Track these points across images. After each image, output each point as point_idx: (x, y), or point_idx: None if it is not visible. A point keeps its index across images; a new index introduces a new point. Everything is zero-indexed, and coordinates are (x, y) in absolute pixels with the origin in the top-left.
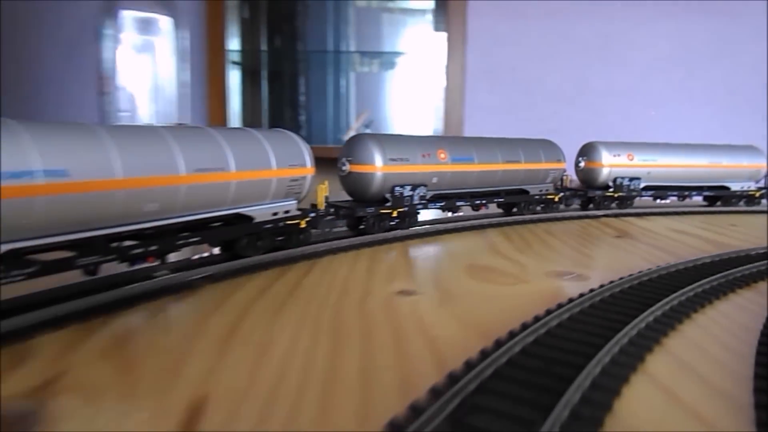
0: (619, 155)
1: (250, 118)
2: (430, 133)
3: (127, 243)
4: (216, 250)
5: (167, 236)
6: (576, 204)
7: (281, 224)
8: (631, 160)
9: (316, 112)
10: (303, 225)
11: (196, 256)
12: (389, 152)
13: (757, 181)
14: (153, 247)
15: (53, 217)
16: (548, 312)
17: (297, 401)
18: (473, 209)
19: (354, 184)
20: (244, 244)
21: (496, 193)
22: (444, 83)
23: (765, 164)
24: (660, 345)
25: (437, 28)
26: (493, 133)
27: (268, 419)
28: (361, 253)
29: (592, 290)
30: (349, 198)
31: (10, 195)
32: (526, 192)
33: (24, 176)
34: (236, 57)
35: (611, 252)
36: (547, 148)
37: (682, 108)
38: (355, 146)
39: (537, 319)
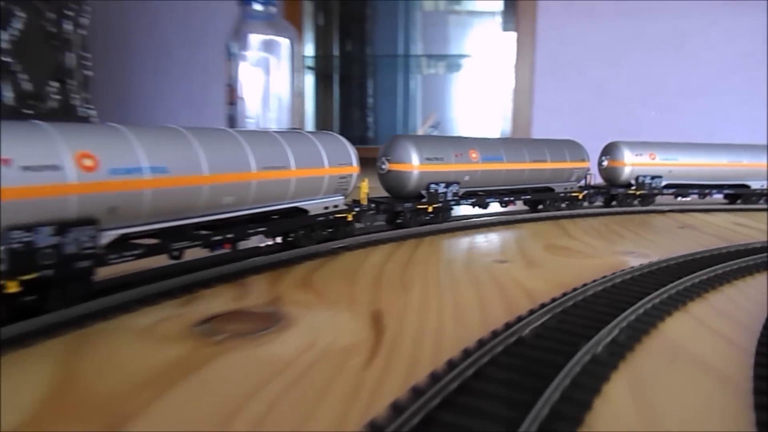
0: (641, 155)
1: (323, 120)
2: (497, 134)
3: (204, 232)
4: (271, 241)
5: (239, 226)
6: (599, 201)
7: (331, 217)
8: (653, 159)
9: (383, 114)
10: (350, 218)
11: (263, 244)
12: (425, 152)
13: None
14: (229, 235)
15: (155, 207)
16: (614, 274)
17: (440, 315)
18: (501, 206)
19: (393, 182)
20: (300, 234)
21: (524, 191)
22: (512, 84)
23: None
24: (702, 298)
25: (505, 29)
26: (562, 134)
27: (425, 324)
28: (452, 236)
29: (651, 263)
30: (386, 195)
31: (120, 188)
32: (551, 189)
33: (134, 172)
34: (310, 62)
35: (672, 238)
36: (571, 148)
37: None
38: (393, 147)
39: (604, 277)
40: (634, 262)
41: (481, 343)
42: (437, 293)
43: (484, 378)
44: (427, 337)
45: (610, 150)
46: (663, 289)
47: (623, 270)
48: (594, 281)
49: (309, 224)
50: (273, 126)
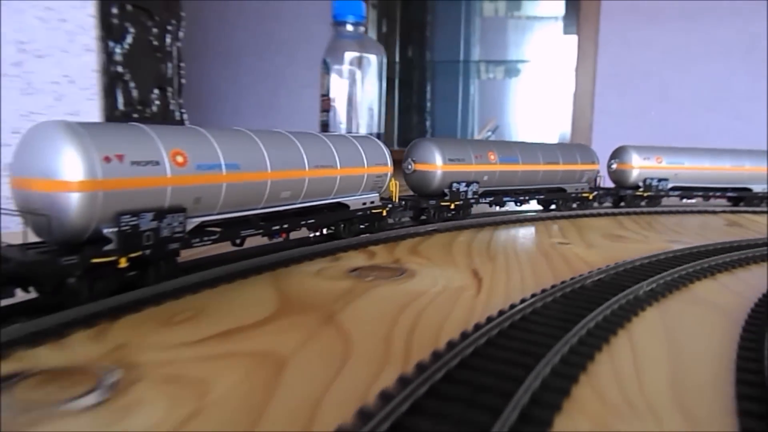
0: (648, 158)
1: (386, 125)
2: (555, 139)
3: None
4: (317, 232)
5: (292, 218)
6: (608, 202)
7: (368, 212)
8: (660, 162)
9: (441, 118)
10: (384, 213)
11: (311, 235)
12: (448, 153)
13: None
14: (285, 226)
15: (228, 199)
16: (659, 253)
17: (521, 273)
18: (516, 204)
19: (418, 181)
20: (341, 227)
21: (538, 191)
22: (573, 89)
23: None
24: (729, 272)
25: (566, 34)
26: (624, 139)
27: (511, 278)
28: (508, 227)
29: (691, 247)
30: (412, 193)
31: (205, 181)
32: (563, 190)
33: (215, 168)
34: None
35: (717, 233)
36: (582, 151)
37: None
38: (419, 148)
39: (651, 255)
40: (678, 247)
41: (554, 287)
42: (517, 261)
43: (560, 302)
44: (514, 284)
45: (619, 154)
46: (697, 262)
47: (667, 251)
48: (642, 257)
49: (349, 218)
50: (363, 131)
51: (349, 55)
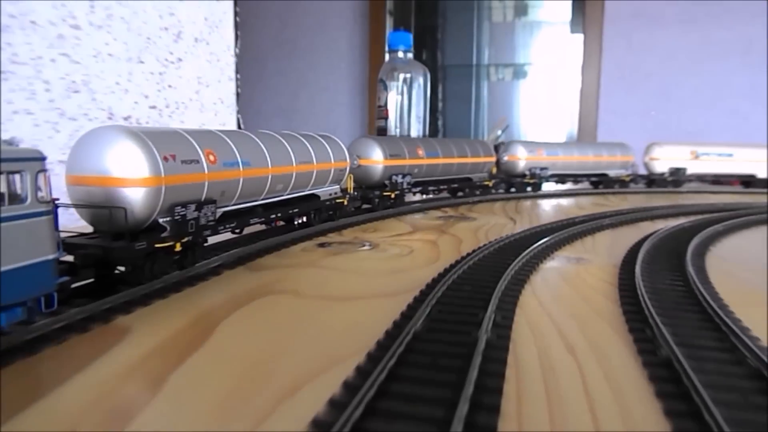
0: (533, 151)
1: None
2: (563, 136)
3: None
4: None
5: (282, 207)
6: (501, 189)
7: (334, 202)
8: (541, 154)
9: (453, 117)
10: (345, 202)
11: (296, 222)
12: (388, 149)
13: (627, 169)
14: (279, 214)
15: (243, 191)
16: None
17: (540, 219)
18: (434, 193)
19: (363, 174)
20: (312, 215)
21: (452, 181)
22: (579, 89)
23: (632, 157)
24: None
25: (572, 38)
26: (628, 137)
27: (533, 220)
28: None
29: (589, 215)
30: (357, 185)
31: (228, 176)
32: (470, 180)
33: (235, 165)
34: None
35: (589, 209)
36: (482, 145)
37: None
38: (363, 146)
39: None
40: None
41: (571, 221)
42: (536, 214)
43: (572, 224)
44: (538, 220)
45: (508, 147)
46: (589, 223)
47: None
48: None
49: (320, 207)
50: (414, 134)
51: (401, 76)
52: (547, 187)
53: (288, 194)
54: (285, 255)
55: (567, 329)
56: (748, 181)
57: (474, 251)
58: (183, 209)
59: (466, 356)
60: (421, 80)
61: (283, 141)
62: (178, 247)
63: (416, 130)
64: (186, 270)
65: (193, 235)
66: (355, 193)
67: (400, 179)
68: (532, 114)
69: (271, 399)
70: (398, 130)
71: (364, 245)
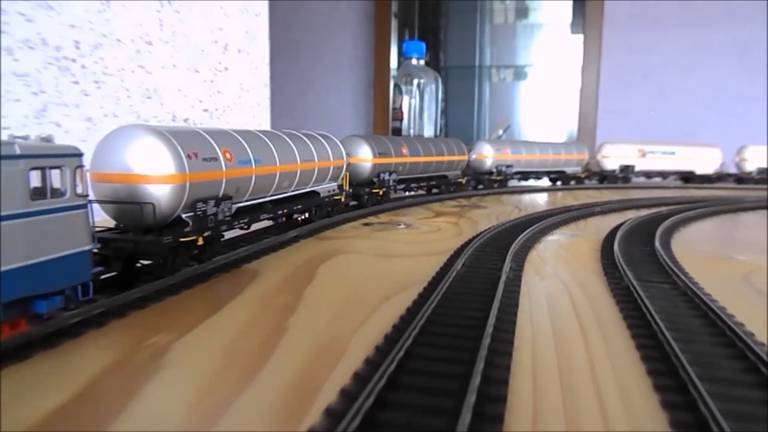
0: (499, 149)
1: (440, 128)
2: (563, 136)
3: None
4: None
5: (287, 204)
6: (471, 185)
7: (332, 198)
8: (507, 152)
9: (455, 117)
10: (342, 199)
11: (300, 218)
12: (377, 148)
13: (581, 167)
14: (285, 210)
15: (254, 188)
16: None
17: (542, 206)
18: (415, 190)
19: (353, 172)
20: (314, 212)
21: (431, 178)
22: (578, 90)
23: (587, 155)
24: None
25: (572, 39)
26: (627, 135)
27: (534, 207)
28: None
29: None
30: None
31: (242, 173)
32: (446, 177)
33: (247, 163)
34: (394, 72)
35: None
36: (457, 144)
37: None
38: (353, 145)
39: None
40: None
41: (566, 208)
42: (538, 204)
43: (569, 211)
44: (541, 209)
45: (476, 146)
46: (567, 214)
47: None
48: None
49: (320, 203)
50: (427, 134)
51: (415, 81)
52: (542, 183)
53: (292, 191)
54: (340, 231)
55: (561, 273)
56: (688, 177)
57: (488, 229)
58: (204, 205)
59: (494, 284)
60: (433, 85)
61: (288, 140)
62: (200, 241)
63: (428, 130)
64: (278, 236)
65: (212, 230)
66: (350, 190)
67: (386, 176)
68: (532, 114)
69: (374, 303)
70: (412, 131)
71: (400, 225)
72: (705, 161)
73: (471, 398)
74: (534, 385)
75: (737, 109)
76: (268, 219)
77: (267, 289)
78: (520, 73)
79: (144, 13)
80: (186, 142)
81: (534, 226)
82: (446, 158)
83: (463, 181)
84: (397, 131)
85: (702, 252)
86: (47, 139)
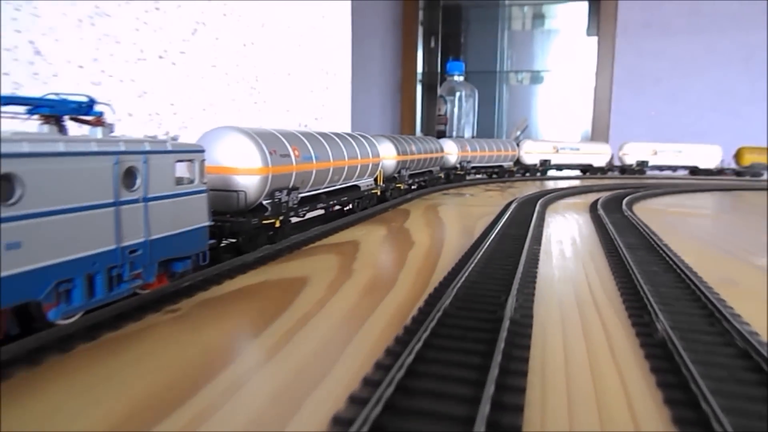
0: (463, 147)
1: (426, 123)
2: (578, 137)
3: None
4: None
5: (336, 195)
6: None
7: (370, 192)
8: (467, 150)
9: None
10: (379, 193)
11: (345, 209)
12: (399, 147)
13: (512, 161)
14: (334, 201)
15: (314, 180)
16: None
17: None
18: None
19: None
20: (356, 203)
21: (423, 173)
22: (592, 94)
23: (517, 151)
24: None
25: (586, 46)
26: (638, 137)
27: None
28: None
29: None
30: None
31: (306, 168)
32: (431, 172)
33: (309, 159)
34: (420, 77)
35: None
36: (434, 142)
37: None
38: (377, 146)
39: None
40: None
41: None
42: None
43: (570, 193)
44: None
45: (444, 145)
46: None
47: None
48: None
49: (361, 196)
50: (466, 135)
51: (457, 93)
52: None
53: (340, 184)
54: (431, 197)
55: (567, 214)
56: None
57: (521, 197)
58: (279, 194)
59: (532, 214)
60: (470, 96)
61: (337, 140)
62: (277, 224)
63: (467, 132)
64: (384, 203)
65: (284, 215)
66: (383, 185)
67: (404, 173)
68: (549, 116)
69: (474, 218)
70: (454, 133)
71: (465, 195)
72: (707, 157)
73: (527, 242)
74: (551, 239)
75: (742, 111)
76: (321, 208)
77: (417, 215)
78: (536, 77)
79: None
80: (267, 141)
81: (551, 194)
82: (433, 155)
83: (442, 175)
84: (441, 133)
85: (643, 207)
86: (174, 138)
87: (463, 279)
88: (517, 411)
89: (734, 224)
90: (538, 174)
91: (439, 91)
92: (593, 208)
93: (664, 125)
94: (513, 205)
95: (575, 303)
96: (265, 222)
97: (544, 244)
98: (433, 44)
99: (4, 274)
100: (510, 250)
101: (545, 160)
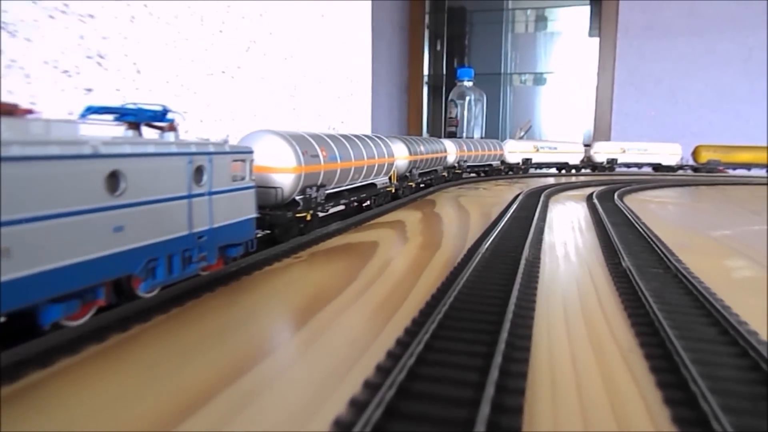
0: (460, 148)
1: (432, 122)
2: (580, 135)
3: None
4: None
5: (355, 192)
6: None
7: (385, 189)
8: (464, 149)
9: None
10: (393, 191)
11: (364, 204)
12: (411, 148)
13: (498, 160)
14: (354, 198)
15: (337, 179)
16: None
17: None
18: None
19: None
20: (373, 200)
21: (429, 172)
22: (594, 94)
23: (502, 150)
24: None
25: (588, 48)
26: (639, 136)
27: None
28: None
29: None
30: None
31: (332, 167)
32: (437, 171)
33: (334, 159)
34: (427, 79)
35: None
36: (438, 143)
37: None
38: (391, 147)
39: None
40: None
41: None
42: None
43: (573, 188)
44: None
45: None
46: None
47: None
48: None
49: (377, 193)
50: (476, 136)
51: (467, 98)
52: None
53: (359, 182)
54: (449, 190)
55: (568, 201)
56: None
57: (528, 190)
58: (310, 190)
59: (537, 202)
60: (479, 100)
61: (357, 141)
62: (308, 217)
63: (477, 133)
64: (397, 200)
65: (313, 209)
66: (396, 183)
67: (415, 171)
68: (552, 116)
69: (489, 205)
70: (464, 134)
71: (480, 188)
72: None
73: (535, 221)
74: (553, 217)
75: (741, 110)
76: (343, 204)
77: (443, 202)
78: (539, 79)
79: (319, 62)
80: (300, 142)
81: (554, 187)
82: (437, 155)
83: (446, 174)
84: (452, 134)
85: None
86: (226, 141)
87: (491, 239)
88: (534, 284)
89: (696, 209)
90: (521, 172)
91: (450, 95)
92: (589, 197)
93: (664, 125)
94: (520, 197)
95: (569, 253)
96: (298, 215)
97: (549, 222)
98: (439, 47)
99: (112, 251)
100: (522, 224)
101: (527, 159)
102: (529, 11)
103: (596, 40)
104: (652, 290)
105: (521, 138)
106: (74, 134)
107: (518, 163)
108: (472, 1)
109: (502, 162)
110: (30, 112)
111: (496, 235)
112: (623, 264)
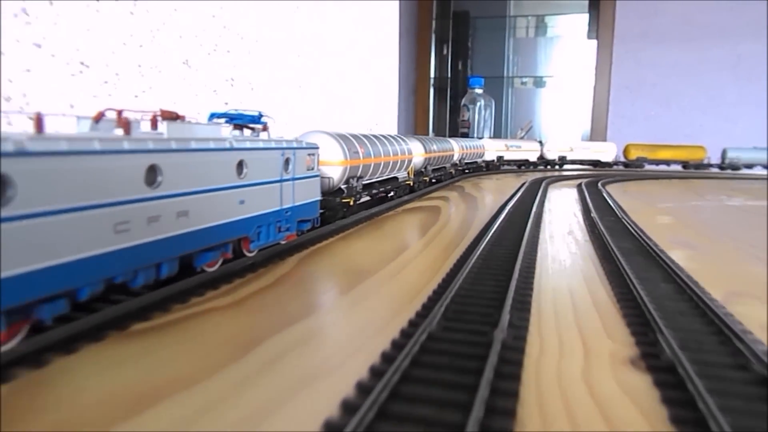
0: (460, 145)
1: (437, 124)
2: (578, 136)
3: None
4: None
5: (383, 184)
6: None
7: (405, 182)
8: (463, 148)
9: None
10: (411, 184)
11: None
12: (427, 146)
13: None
14: (382, 189)
15: (371, 172)
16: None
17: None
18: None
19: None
20: (395, 192)
21: (439, 168)
22: (591, 98)
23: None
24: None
25: (586, 53)
26: (635, 138)
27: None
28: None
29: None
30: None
31: (368, 161)
32: (445, 167)
33: (369, 155)
34: (433, 81)
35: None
36: (448, 141)
37: None
38: (407, 144)
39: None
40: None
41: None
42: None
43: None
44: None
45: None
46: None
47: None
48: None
49: (400, 186)
50: (486, 136)
51: (477, 103)
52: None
53: (386, 176)
54: (471, 178)
55: (565, 188)
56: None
57: (532, 180)
58: (352, 180)
59: (539, 187)
60: (489, 105)
61: (384, 140)
62: (351, 202)
63: (486, 134)
64: (413, 193)
65: (354, 197)
66: (414, 178)
67: (428, 167)
68: (551, 118)
69: (508, 190)
70: (475, 135)
71: (492, 178)
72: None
73: (538, 199)
74: (551, 199)
75: (731, 114)
76: (374, 194)
77: (469, 186)
78: (540, 82)
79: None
80: (345, 140)
81: (553, 176)
82: (445, 153)
83: (453, 171)
84: (464, 135)
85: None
86: (296, 139)
87: (512, 203)
88: (535, 253)
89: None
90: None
91: (462, 101)
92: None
93: (658, 127)
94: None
95: (565, 227)
96: (343, 200)
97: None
98: (444, 51)
99: (239, 218)
100: (528, 200)
101: (500, 156)
102: (529, 17)
103: (594, 45)
104: (621, 247)
105: (522, 138)
106: (217, 133)
107: (493, 161)
108: (476, 6)
109: (483, 160)
110: (182, 117)
111: (511, 206)
112: (591, 214)
